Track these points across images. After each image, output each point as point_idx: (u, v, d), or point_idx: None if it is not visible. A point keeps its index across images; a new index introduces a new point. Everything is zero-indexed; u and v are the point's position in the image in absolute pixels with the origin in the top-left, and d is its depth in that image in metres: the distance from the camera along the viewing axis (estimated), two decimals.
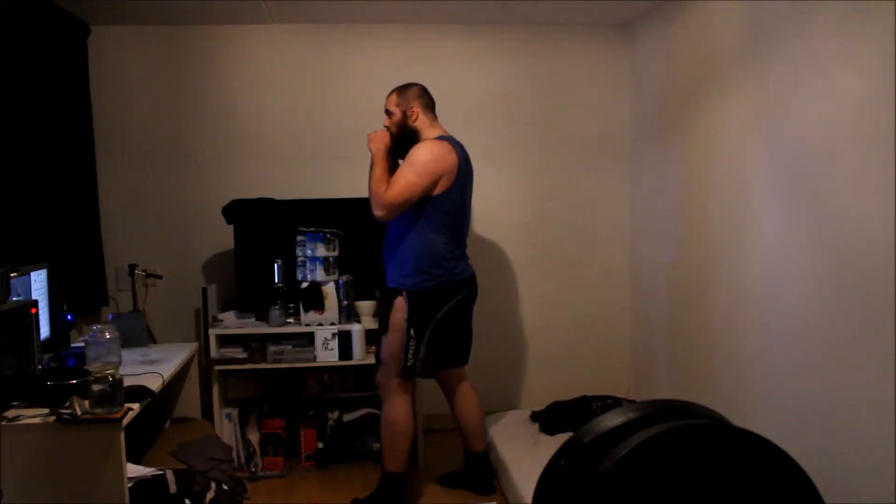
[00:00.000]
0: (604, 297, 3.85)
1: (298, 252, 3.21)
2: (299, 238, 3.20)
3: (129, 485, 2.13)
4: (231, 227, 3.31)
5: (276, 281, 3.22)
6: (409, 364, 2.69)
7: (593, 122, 3.79)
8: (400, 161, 2.74)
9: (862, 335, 2.06)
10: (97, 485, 2.02)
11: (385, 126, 2.79)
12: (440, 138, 2.73)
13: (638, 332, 3.79)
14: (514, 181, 3.78)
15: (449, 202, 2.68)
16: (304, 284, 3.20)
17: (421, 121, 2.75)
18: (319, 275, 3.20)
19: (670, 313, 3.38)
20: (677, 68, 3.24)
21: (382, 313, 2.85)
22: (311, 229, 3.20)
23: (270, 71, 3.61)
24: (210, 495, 2.54)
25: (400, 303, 2.70)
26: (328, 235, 3.20)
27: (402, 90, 2.79)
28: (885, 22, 1.92)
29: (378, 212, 2.64)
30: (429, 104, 2.80)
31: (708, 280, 2.98)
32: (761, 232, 2.57)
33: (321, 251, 3.20)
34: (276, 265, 3.23)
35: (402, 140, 2.75)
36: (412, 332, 2.67)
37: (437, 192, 2.65)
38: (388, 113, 2.79)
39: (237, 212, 3.29)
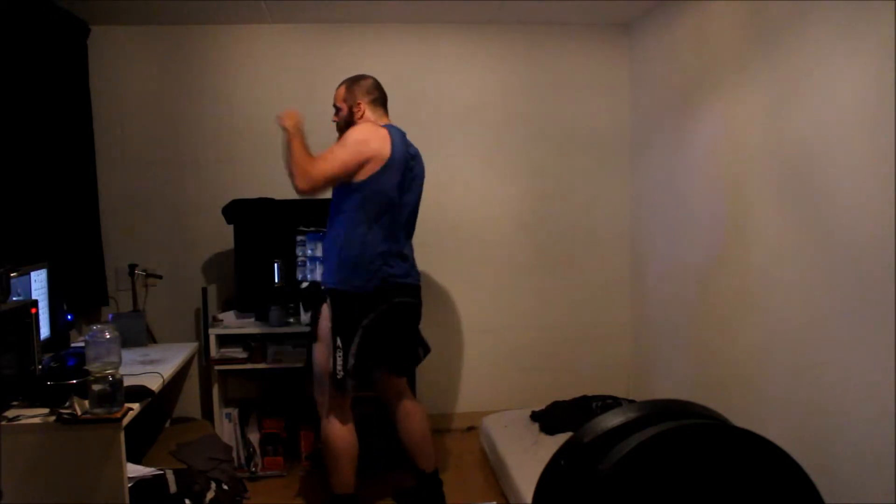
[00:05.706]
0: (603, 296, 3.86)
1: (298, 252, 3.21)
2: (299, 238, 3.20)
3: (129, 485, 2.13)
4: (231, 227, 3.31)
5: (276, 281, 3.22)
6: (339, 377, 2.46)
7: (593, 122, 3.79)
8: None
9: (862, 335, 2.06)
10: (97, 485, 2.02)
11: (334, 121, 2.63)
12: (383, 126, 2.55)
13: (638, 331, 3.79)
14: (513, 181, 3.78)
15: (375, 191, 2.46)
16: (304, 284, 3.20)
17: (366, 119, 2.58)
18: (319, 275, 3.19)
19: (670, 313, 3.38)
20: (677, 68, 3.24)
21: (312, 321, 2.63)
22: (311, 229, 3.20)
23: (270, 71, 3.60)
24: (210, 495, 2.54)
25: (325, 310, 2.51)
26: None
27: (350, 84, 2.61)
28: (885, 22, 1.92)
29: (302, 185, 2.42)
30: (378, 99, 2.62)
31: (707, 279, 2.98)
32: (761, 231, 2.57)
33: (321, 251, 3.20)
34: (276, 265, 3.23)
35: None
36: (338, 340, 2.45)
37: (360, 177, 2.44)
38: (336, 109, 2.62)
39: (237, 212, 3.29)
